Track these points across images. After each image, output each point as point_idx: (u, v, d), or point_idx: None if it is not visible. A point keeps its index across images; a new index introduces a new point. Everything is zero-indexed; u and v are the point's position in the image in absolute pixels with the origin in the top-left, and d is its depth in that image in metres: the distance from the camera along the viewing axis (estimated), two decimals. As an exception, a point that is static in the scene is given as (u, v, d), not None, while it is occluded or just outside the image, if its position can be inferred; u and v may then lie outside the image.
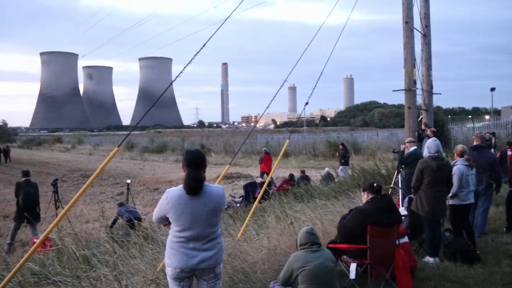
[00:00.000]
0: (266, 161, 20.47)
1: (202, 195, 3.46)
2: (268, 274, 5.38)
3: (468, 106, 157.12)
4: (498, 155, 10.61)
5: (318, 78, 8.86)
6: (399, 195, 8.72)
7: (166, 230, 5.59)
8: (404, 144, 10.20)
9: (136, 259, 5.39)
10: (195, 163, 3.51)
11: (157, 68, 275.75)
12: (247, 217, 7.02)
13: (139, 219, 10.34)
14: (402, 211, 7.11)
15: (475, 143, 8.50)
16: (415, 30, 12.62)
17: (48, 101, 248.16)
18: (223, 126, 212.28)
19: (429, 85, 14.12)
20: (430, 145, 7.10)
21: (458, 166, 7.17)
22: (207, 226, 3.49)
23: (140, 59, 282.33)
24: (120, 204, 11.33)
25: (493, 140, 13.16)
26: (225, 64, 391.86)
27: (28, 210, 10.84)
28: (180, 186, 3.50)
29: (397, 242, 5.58)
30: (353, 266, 5.15)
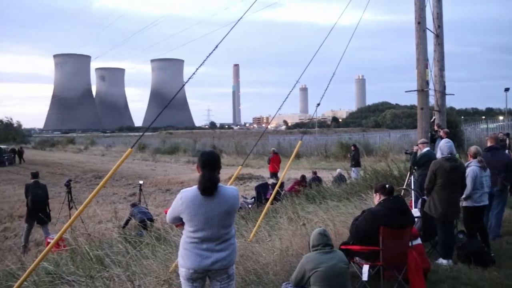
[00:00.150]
0: (274, 161, 20.57)
1: (216, 196, 3.47)
2: (280, 275, 5.38)
3: (482, 106, 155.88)
4: (512, 156, 10.48)
5: (330, 79, 8.85)
6: (411, 197, 8.66)
7: (179, 231, 5.63)
8: (417, 145, 10.15)
9: (148, 259, 5.42)
10: (209, 164, 3.52)
11: (169, 69, 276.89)
12: (259, 218, 7.03)
13: (151, 220, 10.41)
14: (415, 212, 7.07)
15: (489, 144, 8.42)
16: (427, 31, 12.53)
17: (62, 103, 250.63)
18: (235, 127, 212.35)
19: (442, 85, 14.02)
20: (443, 147, 7.04)
21: (472, 168, 7.11)
22: (220, 227, 3.50)
23: (152, 60, 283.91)
24: (133, 205, 11.40)
25: (507, 141, 12.97)
26: (236, 66, 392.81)
27: (37, 211, 10.97)
28: (195, 187, 3.51)
29: (410, 244, 5.55)
30: (365, 268, 5.13)
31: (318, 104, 9.27)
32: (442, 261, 6.53)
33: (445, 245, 6.64)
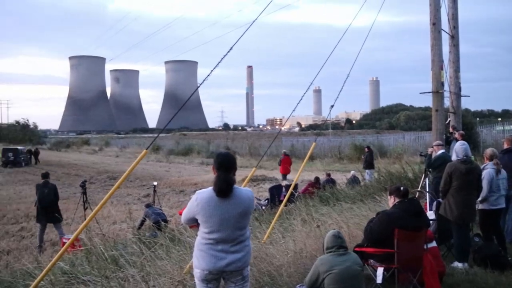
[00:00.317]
0: (284, 162, 20.62)
1: (231, 198, 3.48)
2: (294, 277, 5.37)
3: (498, 108, 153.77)
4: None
5: (344, 81, 8.83)
6: (426, 199, 8.60)
7: (193, 232, 5.65)
8: (432, 147, 10.07)
9: (163, 260, 5.45)
10: (225, 166, 3.54)
11: (183, 71, 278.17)
12: (273, 220, 7.03)
13: (165, 221, 10.45)
14: (430, 215, 7.01)
15: (505, 147, 8.31)
16: (442, 32, 12.41)
17: (77, 104, 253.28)
18: (248, 129, 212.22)
19: (457, 87, 13.87)
20: (458, 149, 6.98)
21: (488, 170, 7.02)
22: (235, 229, 3.50)
23: (166, 62, 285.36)
24: (147, 206, 11.46)
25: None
26: (250, 67, 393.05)
27: (44, 210, 11.09)
28: (210, 188, 3.53)
29: (425, 247, 5.51)
30: (380, 271, 5.10)
31: (332, 106, 9.28)
32: (458, 264, 6.47)
33: (461, 248, 6.58)
